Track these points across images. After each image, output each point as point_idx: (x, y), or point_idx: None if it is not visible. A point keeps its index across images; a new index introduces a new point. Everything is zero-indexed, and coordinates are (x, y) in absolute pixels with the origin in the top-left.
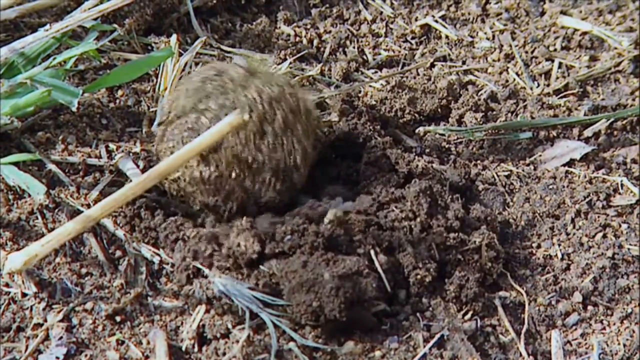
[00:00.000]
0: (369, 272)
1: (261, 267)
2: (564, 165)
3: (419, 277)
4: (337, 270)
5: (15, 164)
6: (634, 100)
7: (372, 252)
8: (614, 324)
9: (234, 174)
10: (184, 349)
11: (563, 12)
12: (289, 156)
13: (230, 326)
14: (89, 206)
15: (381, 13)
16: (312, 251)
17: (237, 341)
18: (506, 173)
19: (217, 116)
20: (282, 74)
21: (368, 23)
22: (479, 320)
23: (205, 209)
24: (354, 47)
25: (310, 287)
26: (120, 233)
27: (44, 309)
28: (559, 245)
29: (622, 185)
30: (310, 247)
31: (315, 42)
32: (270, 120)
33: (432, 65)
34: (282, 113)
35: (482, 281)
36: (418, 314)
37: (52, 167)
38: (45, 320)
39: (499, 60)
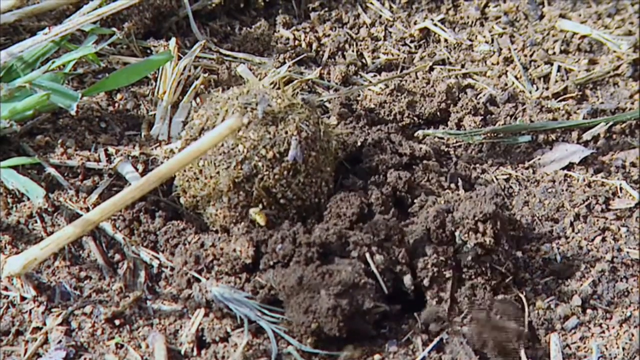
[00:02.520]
0: (365, 281)
1: (259, 279)
2: (563, 168)
3: (427, 274)
4: (333, 287)
5: (15, 167)
6: (632, 103)
7: (367, 254)
8: (613, 328)
9: (260, 206)
10: (183, 352)
11: (562, 16)
12: (315, 197)
13: (229, 330)
14: (88, 210)
15: (380, 17)
16: (306, 262)
17: (236, 345)
18: (505, 176)
19: (255, 147)
20: (316, 111)
21: (367, 27)
22: (478, 324)
23: (223, 232)
24: (353, 51)
25: (308, 307)
26: (119, 237)
27: (43, 313)
28: (558, 248)
29: (621, 188)
30: (304, 259)
31: (314, 45)
32: (305, 159)
33: (431, 69)
34: (316, 153)
35: (485, 286)
36: (417, 317)
37: (51, 170)
38: (45, 324)
39: (498, 63)
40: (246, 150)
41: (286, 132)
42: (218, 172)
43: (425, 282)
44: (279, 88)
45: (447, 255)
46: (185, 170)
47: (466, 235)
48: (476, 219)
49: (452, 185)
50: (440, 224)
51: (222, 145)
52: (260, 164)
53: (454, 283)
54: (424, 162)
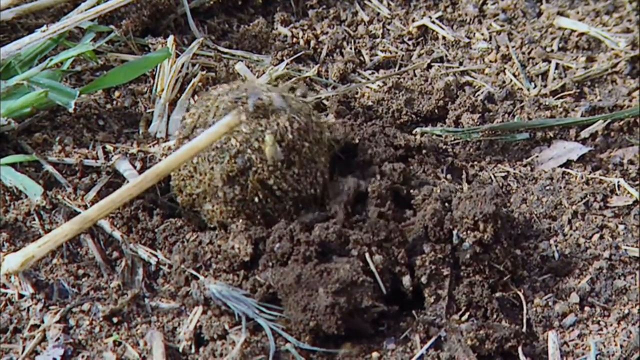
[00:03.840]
0: (364, 279)
1: (257, 278)
2: (561, 166)
3: (425, 272)
4: (331, 285)
5: (12, 165)
6: (630, 101)
7: (366, 254)
8: (611, 325)
9: (257, 199)
10: (181, 350)
11: (560, 13)
12: (311, 188)
13: (227, 327)
14: (85, 207)
15: (378, 14)
16: (305, 261)
17: (234, 342)
18: (503, 174)
19: (247, 140)
20: (307, 103)
21: (365, 24)
22: (476, 321)
23: (220, 228)
24: (350, 48)
25: (306, 305)
26: (117, 234)
27: (40, 310)
28: (556, 246)
29: (619, 186)
30: (302, 258)
31: (312, 43)
32: (298, 151)
33: (429, 66)
34: (309, 144)
35: (483, 284)
36: (415, 315)
37: (49, 168)
38: (42, 322)
39: (495, 61)
40: (239, 143)
41: (278, 124)
42: (212, 168)
43: (423, 279)
44: (275, 85)
45: (445, 253)
46: (180, 169)
47: (465, 233)
48: (476, 218)
49: (449, 177)
50: (437, 222)
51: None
52: (253, 156)
53: (451, 281)
54: (420, 153)
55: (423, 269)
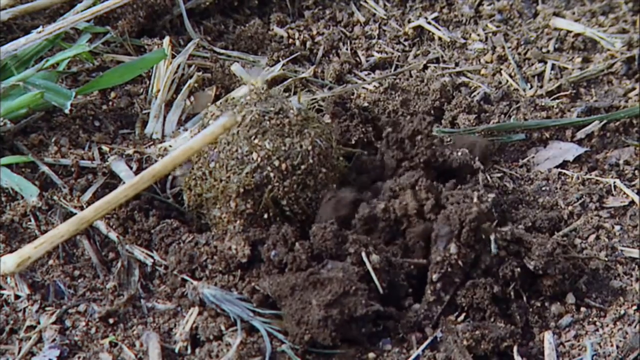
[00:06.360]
0: (357, 288)
1: (256, 286)
2: (557, 166)
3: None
4: (323, 297)
5: (8, 166)
6: (626, 101)
7: (363, 253)
8: (607, 326)
9: (266, 216)
10: (177, 351)
11: (556, 14)
12: (320, 215)
13: (223, 328)
14: (82, 208)
15: (374, 15)
16: (299, 269)
17: (229, 344)
18: (499, 175)
19: (269, 157)
20: (327, 124)
21: (361, 25)
22: (472, 322)
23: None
24: (347, 49)
25: (300, 319)
26: (113, 235)
27: (37, 311)
28: None
29: (615, 186)
30: (297, 266)
31: (308, 44)
32: (315, 175)
33: (425, 67)
34: (326, 170)
35: (485, 286)
36: (413, 316)
37: (45, 169)
38: (38, 323)
39: (491, 61)
40: (260, 159)
41: (301, 146)
42: (229, 177)
43: (434, 276)
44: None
45: (466, 261)
46: (193, 169)
47: (497, 245)
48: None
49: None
50: (476, 227)
51: (237, 150)
52: (272, 174)
53: (457, 288)
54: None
55: (439, 266)
